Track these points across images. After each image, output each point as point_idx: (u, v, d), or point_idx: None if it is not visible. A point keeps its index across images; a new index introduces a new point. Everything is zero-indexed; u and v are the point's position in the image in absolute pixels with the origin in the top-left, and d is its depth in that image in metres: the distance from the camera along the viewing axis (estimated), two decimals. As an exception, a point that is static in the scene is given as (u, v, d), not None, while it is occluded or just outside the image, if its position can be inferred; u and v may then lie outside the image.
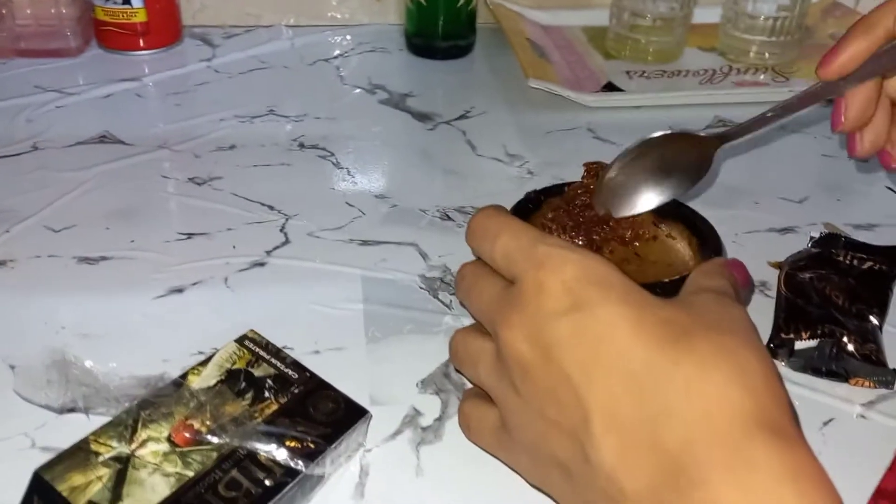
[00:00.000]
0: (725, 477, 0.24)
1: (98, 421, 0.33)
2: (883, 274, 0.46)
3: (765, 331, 0.43)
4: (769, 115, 0.40)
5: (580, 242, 0.40)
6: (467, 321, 0.44)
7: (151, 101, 0.68)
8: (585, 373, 0.27)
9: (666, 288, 0.34)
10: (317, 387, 0.36)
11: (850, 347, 0.41)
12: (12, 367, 0.38)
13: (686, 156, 0.40)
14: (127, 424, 0.33)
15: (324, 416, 0.35)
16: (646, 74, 0.74)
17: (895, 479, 0.31)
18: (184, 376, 0.36)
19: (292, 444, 0.33)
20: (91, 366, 0.33)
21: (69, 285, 0.46)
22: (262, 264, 0.49)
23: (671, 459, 0.25)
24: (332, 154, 0.61)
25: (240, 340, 0.38)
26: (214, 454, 0.33)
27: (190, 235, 0.51)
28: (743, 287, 0.34)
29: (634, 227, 0.40)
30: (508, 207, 0.35)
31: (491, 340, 0.32)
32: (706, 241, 0.40)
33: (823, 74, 0.39)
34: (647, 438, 0.25)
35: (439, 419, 0.39)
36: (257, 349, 0.38)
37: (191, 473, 0.32)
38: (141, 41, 0.74)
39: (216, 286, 0.47)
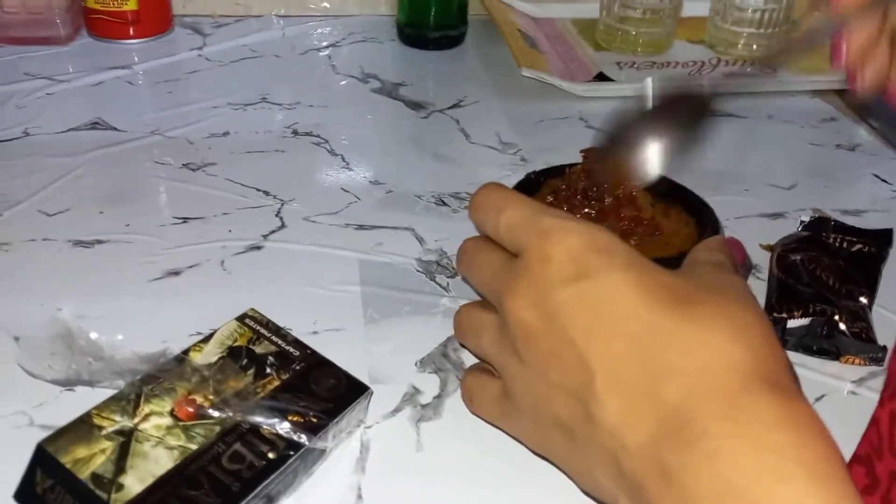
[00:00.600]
0: (725, 427, 0.24)
1: (99, 397, 0.33)
2: (872, 255, 0.47)
3: (757, 311, 0.44)
4: (764, 58, 0.38)
5: None
6: (464, 302, 0.45)
7: (143, 88, 0.68)
8: (589, 336, 0.27)
9: (665, 263, 0.34)
10: (318, 363, 0.37)
11: (842, 326, 0.42)
12: (16, 339, 0.38)
13: (686, 114, 0.38)
14: (129, 399, 0.33)
15: (325, 391, 0.35)
16: (636, 66, 0.75)
17: (867, 445, 0.32)
18: (185, 352, 0.36)
19: (295, 418, 0.34)
20: (96, 337, 0.33)
21: (65, 268, 0.46)
22: (258, 248, 0.49)
23: (673, 413, 0.25)
24: (326, 141, 0.61)
25: (240, 318, 0.38)
26: (217, 428, 0.33)
27: (185, 220, 0.51)
28: (740, 264, 0.34)
29: (634, 207, 0.41)
30: (497, 182, 0.35)
31: (494, 312, 0.32)
32: (705, 220, 0.41)
33: (838, 8, 0.37)
34: (648, 395, 0.26)
35: (438, 397, 0.39)
36: (258, 327, 0.38)
37: (194, 446, 0.32)
38: (131, 30, 0.74)
39: (213, 269, 0.47)
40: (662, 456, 0.25)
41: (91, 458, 0.31)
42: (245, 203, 0.53)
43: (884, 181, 0.59)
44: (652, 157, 0.38)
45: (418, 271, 0.48)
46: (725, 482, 0.23)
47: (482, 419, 0.35)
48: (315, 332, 0.42)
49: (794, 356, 0.42)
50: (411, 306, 0.45)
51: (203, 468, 0.31)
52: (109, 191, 0.53)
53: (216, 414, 0.33)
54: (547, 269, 0.29)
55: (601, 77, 0.71)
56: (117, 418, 0.32)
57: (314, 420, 0.34)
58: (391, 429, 0.37)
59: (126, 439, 0.32)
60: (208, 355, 0.36)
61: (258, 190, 0.54)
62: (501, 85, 0.71)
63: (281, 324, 0.39)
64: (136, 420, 0.32)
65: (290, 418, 0.34)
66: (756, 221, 0.54)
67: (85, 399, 0.35)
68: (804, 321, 0.42)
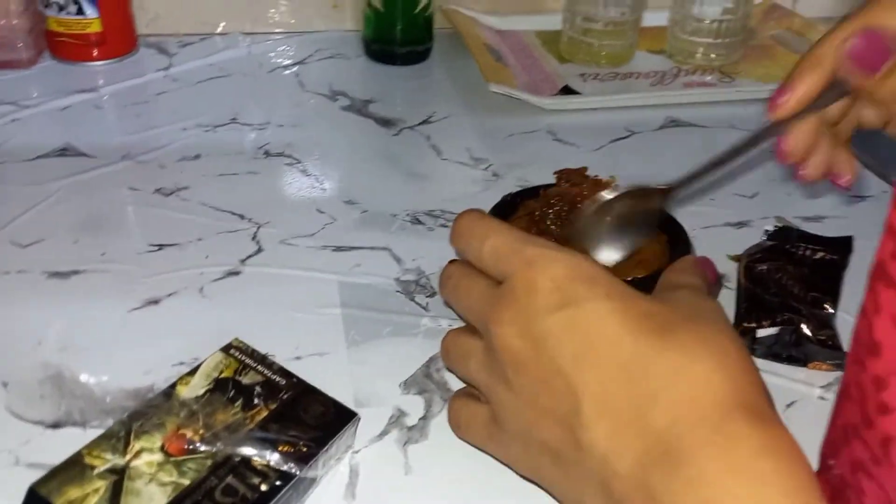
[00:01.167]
0: (710, 453, 0.25)
1: (86, 434, 0.33)
2: (834, 263, 0.48)
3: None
4: (716, 161, 0.41)
5: None
6: (445, 322, 0.46)
7: (111, 111, 0.67)
8: (577, 363, 0.28)
9: (640, 284, 0.35)
10: (305, 392, 0.37)
11: (808, 333, 0.43)
12: (5, 385, 0.38)
13: (640, 209, 0.41)
14: (119, 436, 0.33)
15: (314, 419, 0.36)
16: (599, 77, 0.76)
17: (830, 448, 0.34)
18: (172, 387, 0.36)
19: (285, 448, 0.34)
20: (86, 379, 0.33)
21: (42, 301, 0.46)
22: (236, 273, 0.49)
23: (659, 439, 0.26)
24: (299, 161, 0.61)
25: (225, 349, 0.38)
26: (209, 462, 0.33)
27: (161, 246, 0.51)
28: (712, 283, 0.36)
29: None
30: (478, 209, 0.36)
31: (480, 338, 0.33)
32: (676, 238, 0.42)
33: (776, 116, 0.40)
34: (636, 421, 0.27)
35: (424, 418, 0.40)
36: (243, 357, 0.38)
37: (187, 482, 0.32)
38: (95, 51, 0.73)
39: (192, 296, 0.47)
40: (650, 480, 0.26)
41: (84, 499, 0.31)
42: (220, 227, 0.53)
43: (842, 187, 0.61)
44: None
45: (398, 291, 0.48)
46: None
47: (470, 444, 0.36)
48: (298, 358, 0.43)
49: (763, 364, 0.44)
50: (392, 327, 0.46)
51: (197, 503, 0.31)
52: (83, 219, 0.53)
53: (207, 448, 0.33)
54: (533, 297, 0.30)
55: (567, 90, 0.73)
56: (108, 456, 0.32)
57: (304, 449, 0.34)
58: (379, 453, 0.38)
59: (118, 478, 0.32)
60: (195, 388, 0.36)
61: (233, 213, 0.54)
62: (470, 99, 0.72)
63: (264, 350, 0.39)
64: (128, 457, 0.32)
65: (280, 449, 0.34)
66: (722, 231, 0.56)
67: (70, 436, 0.35)
68: (773, 330, 0.44)
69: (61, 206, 0.54)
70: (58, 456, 0.32)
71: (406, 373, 0.42)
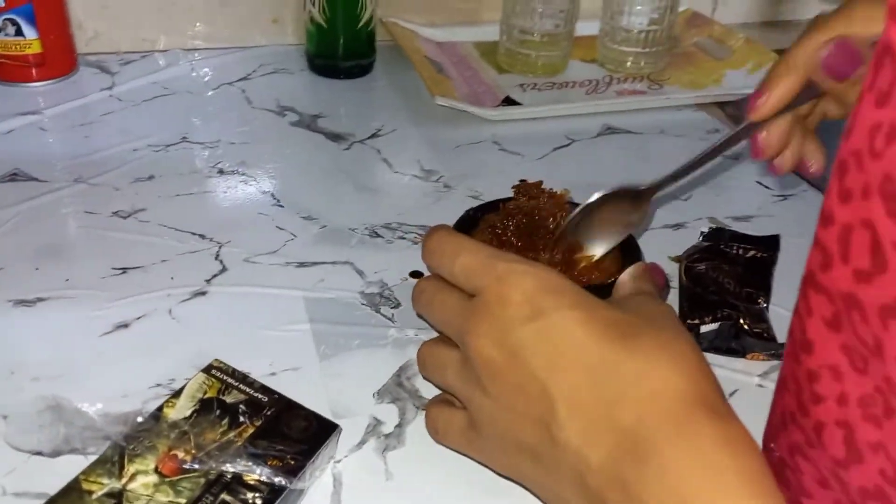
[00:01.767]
0: (675, 445, 0.29)
1: (68, 460, 0.34)
2: (764, 261, 0.53)
3: (673, 318, 0.49)
4: (696, 160, 0.45)
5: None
6: (412, 332, 0.48)
7: (57, 133, 0.67)
8: (549, 369, 0.31)
9: (599, 290, 0.38)
10: (287, 407, 0.39)
11: (746, 327, 0.47)
12: (4, 417, 0.39)
13: (624, 208, 0.45)
14: (113, 461, 0.34)
15: (298, 433, 0.38)
16: (537, 87, 0.80)
17: (771, 433, 0.37)
18: (160, 409, 0.37)
19: (274, 462, 0.36)
20: (84, 407, 0.34)
21: (9, 330, 0.46)
22: (203, 293, 0.50)
23: (627, 435, 0.29)
24: (254, 178, 0.62)
25: (207, 370, 0.40)
26: (202, 480, 0.35)
27: (125, 270, 0.52)
28: (662, 287, 0.39)
29: (564, 240, 0.45)
30: (445, 225, 0.39)
31: (455, 348, 0.36)
32: (628, 244, 0.46)
33: (756, 117, 0.43)
34: (605, 419, 0.30)
35: (399, 425, 0.42)
36: (225, 377, 0.40)
37: (183, 501, 0.34)
38: (34, 72, 0.72)
39: (161, 318, 0.48)
40: (621, 471, 0.29)
41: (86, 524, 0.32)
42: (182, 248, 0.54)
43: (766, 188, 0.66)
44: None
45: (363, 304, 0.50)
46: (675, 494, 0.28)
47: (448, 448, 0.39)
48: (273, 374, 0.45)
49: (706, 357, 0.48)
50: (361, 339, 0.47)
51: (196, 520, 0.33)
52: (42, 245, 0.53)
53: (199, 466, 0.35)
54: (505, 310, 0.32)
55: (508, 100, 0.76)
56: (105, 481, 0.34)
57: (292, 462, 0.36)
58: (359, 461, 0.40)
59: (117, 501, 0.33)
60: (182, 409, 0.37)
61: (193, 234, 0.55)
62: (416, 111, 0.74)
63: (238, 368, 0.41)
64: (124, 481, 0.34)
65: (269, 463, 0.36)
66: (661, 233, 0.59)
67: (56, 462, 0.36)
68: (714, 326, 0.48)
69: (18, 234, 0.54)
70: (43, 482, 0.33)
71: (378, 383, 0.45)
